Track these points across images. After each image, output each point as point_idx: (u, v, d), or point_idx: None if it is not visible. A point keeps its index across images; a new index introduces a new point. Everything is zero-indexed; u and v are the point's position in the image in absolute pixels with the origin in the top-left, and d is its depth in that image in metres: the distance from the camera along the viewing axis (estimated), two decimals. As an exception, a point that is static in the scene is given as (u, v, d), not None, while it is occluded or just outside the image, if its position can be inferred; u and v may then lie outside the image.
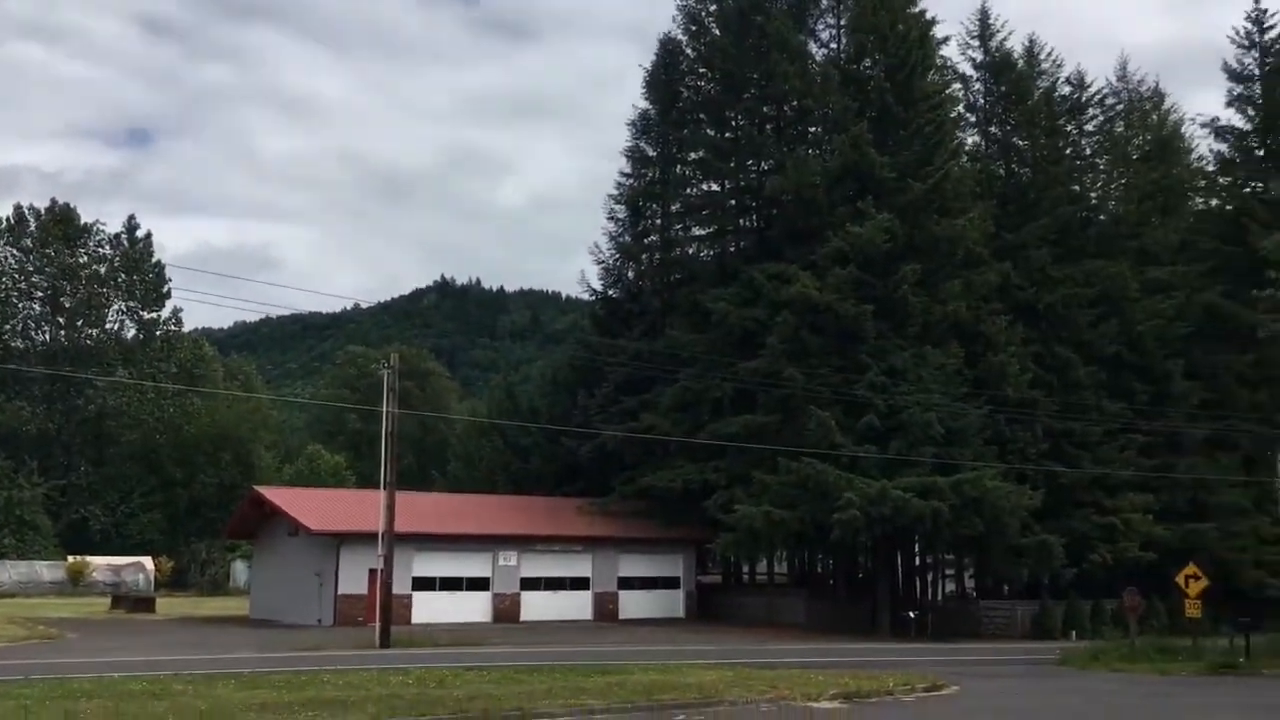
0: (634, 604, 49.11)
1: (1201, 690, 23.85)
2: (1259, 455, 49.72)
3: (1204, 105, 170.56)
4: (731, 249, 55.17)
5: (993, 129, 56.33)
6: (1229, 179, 59.40)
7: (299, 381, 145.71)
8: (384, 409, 35.85)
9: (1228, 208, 58.25)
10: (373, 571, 38.96)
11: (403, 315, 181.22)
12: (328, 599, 43.06)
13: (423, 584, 44.71)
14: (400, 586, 40.29)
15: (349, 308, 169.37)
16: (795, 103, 52.48)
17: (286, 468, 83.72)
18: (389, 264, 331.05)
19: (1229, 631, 32.14)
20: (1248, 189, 57.48)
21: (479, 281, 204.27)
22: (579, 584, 48.46)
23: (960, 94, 55.54)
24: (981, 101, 56.13)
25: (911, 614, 44.60)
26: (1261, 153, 57.14)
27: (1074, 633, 43.23)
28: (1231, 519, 50.30)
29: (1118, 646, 33.99)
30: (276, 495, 49.67)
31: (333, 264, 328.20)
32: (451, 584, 45.69)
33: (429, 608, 44.09)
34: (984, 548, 46.36)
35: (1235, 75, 57.50)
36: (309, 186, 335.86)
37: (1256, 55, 57.15)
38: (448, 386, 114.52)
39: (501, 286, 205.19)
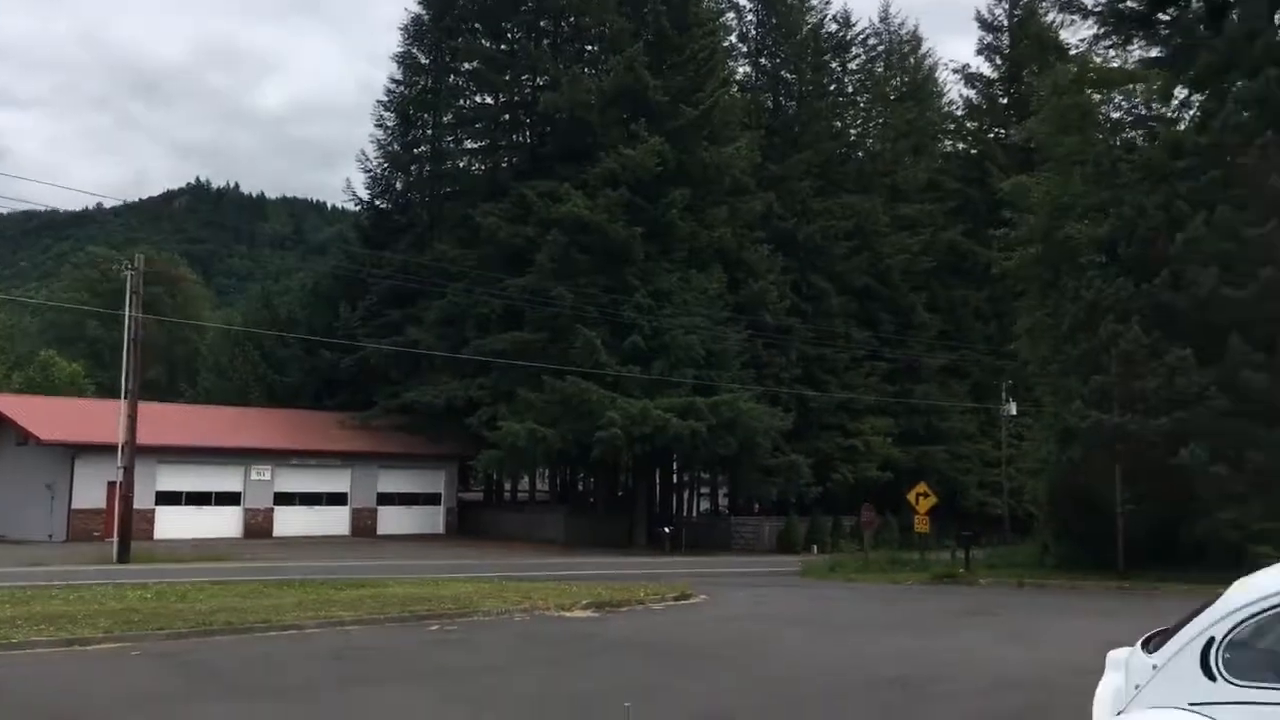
0: (393, 520, 48.59)
1: (916, 595, 25.77)
2: (987, 384, 53.67)
3: (957, 52, 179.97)
4: (504, 164, 54.42)
5: (763, 60, 57.59)
6: (975, 124, 63.06)
7: (33, 283, 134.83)
8: (126, 314, 33.65)
9: (973, 151, 61.92)
10: (111, 484, 36.85)
11: (151, 218, 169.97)
12: (60, 513, 40.54)
13: (167, 498, 42.74)
14: (142, 501, 38.31)
15: (91, 207, 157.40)
16: (572, 19, 51.94)
17: (16, 375, 77.64)
18: (137, 161, 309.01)
19: (952, 545, 34.80)
20: (991, 134, 61.20)
21: (237, 186, 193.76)
22: (336, 499, 47.50)
23: (734, 23, 56.44)
24: (753, 33, 57.24)
25: (667, 530, 46.08)
26: (1005, 100, 60.84)
27: (815, 547, 45.76)
28: (959, 443, 54.32)
29: (854, 559, 36.24)
30: (2, 402, 46.15)
31: (73, 158, 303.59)
32: (199, 499, 43.88)
33: (174, 523, 42.24)
34: (737, 467, 48.28)
35: (986, 24, 60.81)
36: (48, 72, 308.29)
37: (1006, 6, 60.55)
38: (200, 294, 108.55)
39: (262, 192, 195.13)
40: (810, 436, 49.97)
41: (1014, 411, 46.56)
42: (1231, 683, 4.68)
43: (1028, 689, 12.14)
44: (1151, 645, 5.18)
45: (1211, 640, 4.80)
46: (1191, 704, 4.76)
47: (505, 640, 16.33)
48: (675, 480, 56.48)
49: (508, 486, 57.92)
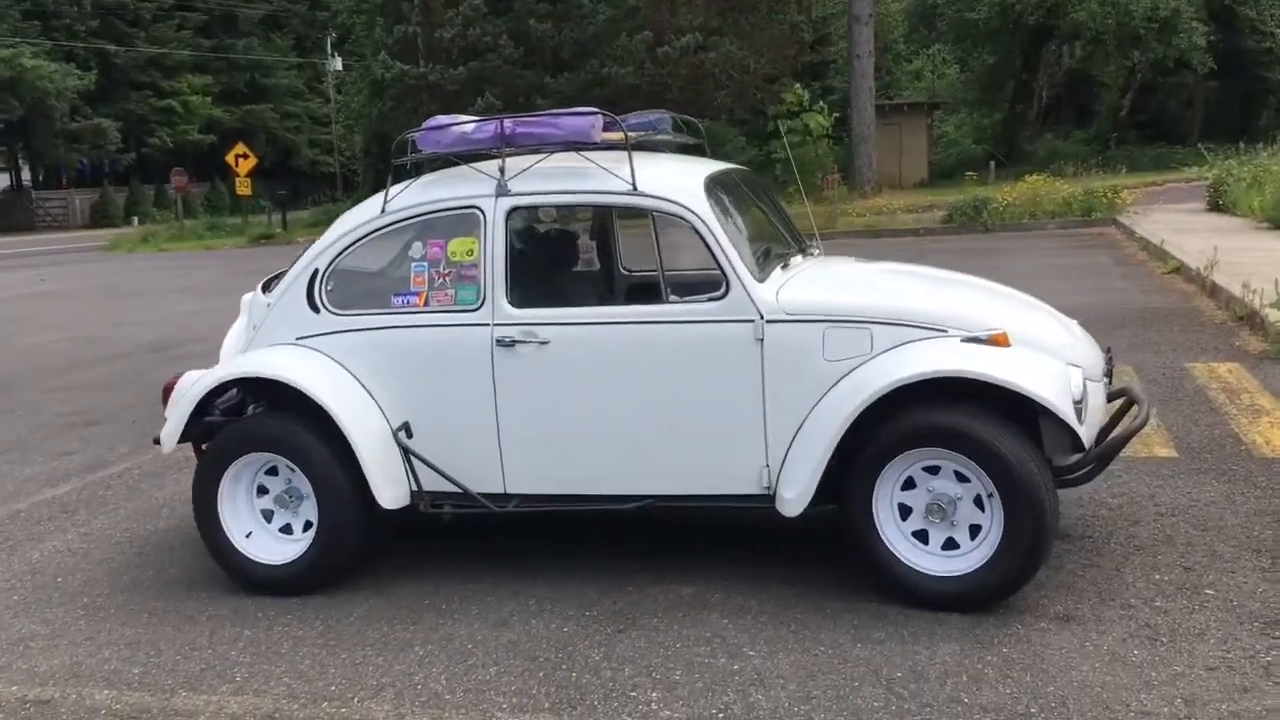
0: None
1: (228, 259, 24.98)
2: (311, 37, 51.68)
3: None
4: None
5: None
6: None
7: None
8: None
9: None
10: None
11: None
12: None
13: None
14: None
15: None
16: None
17: None
18: None
19: (269, 206, 33.94)
20: None
21: None
22: None
23: None
24: None
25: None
26: None
27: (136, 219, 42.54)
28: (287, 101, 52.41)
29: (169, 228, 34.11)
30: None
31: None
32: None
33: None
34: (30, 134, 42.56)
35: None
36: None
37: None
38: None
39: None
40: (118, 98, 45.16)
41: (339, 66, 45.46)
42: (333, 313, 4.52)
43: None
44: (271, 286, 4.88)
45: (316, 272, 4.58)
46: (299, 338, 4.57)
47: None
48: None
49: None
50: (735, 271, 4.16)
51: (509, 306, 4.34)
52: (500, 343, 4.31)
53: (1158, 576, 4.22)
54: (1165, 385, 7.09)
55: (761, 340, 4.12)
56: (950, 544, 4.05)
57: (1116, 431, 4.26)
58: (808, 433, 4.08)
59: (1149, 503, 5.02)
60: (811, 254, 5.00)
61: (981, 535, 4.00)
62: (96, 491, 6.29)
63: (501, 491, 4.44)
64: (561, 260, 5.08)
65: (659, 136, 4.97)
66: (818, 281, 4.40)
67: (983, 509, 3.98)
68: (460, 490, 4.44)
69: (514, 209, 4.40)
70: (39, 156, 47.11)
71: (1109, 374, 4.58)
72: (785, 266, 4.48)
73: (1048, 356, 4.08)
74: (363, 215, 4.62)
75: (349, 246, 4.60)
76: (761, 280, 4.21)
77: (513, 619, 4.19)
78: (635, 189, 4.27)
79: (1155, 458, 5.63)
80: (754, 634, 3.94)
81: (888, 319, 4.10)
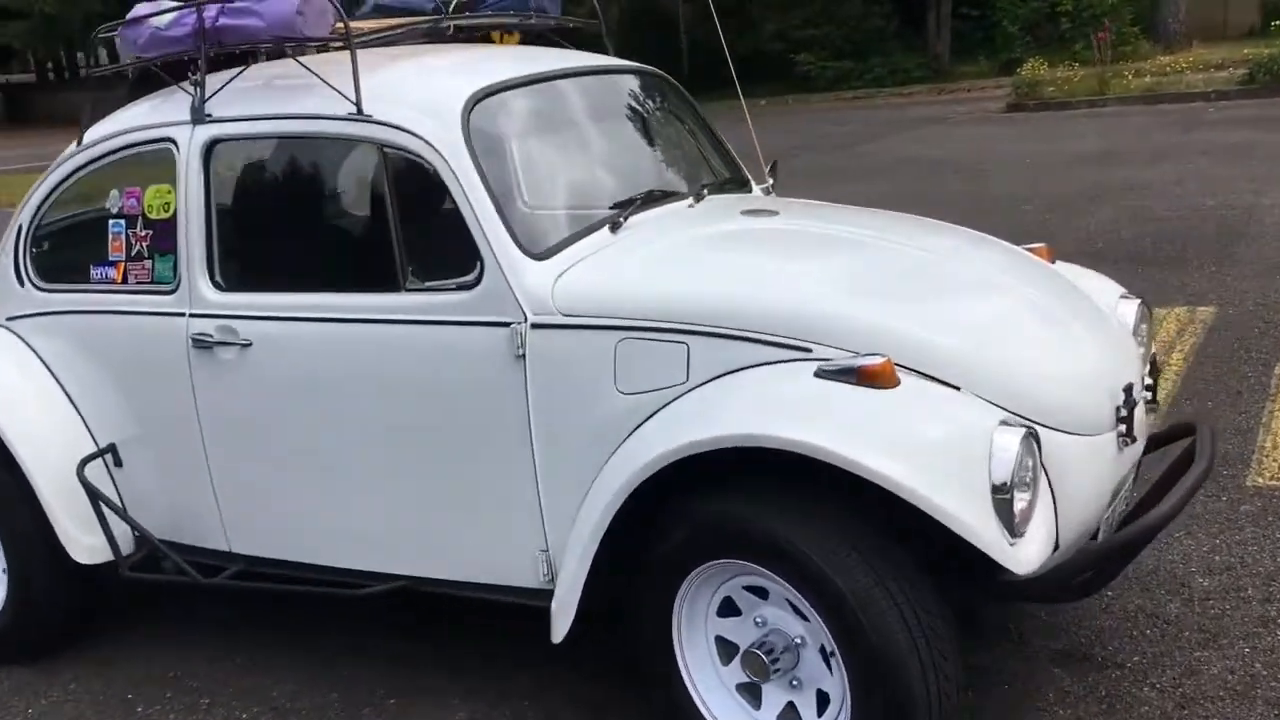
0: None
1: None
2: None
3: None
4: None
5: None
6: None
7: None
8: None
9: None
10: None
11: None
12: None
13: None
14: None
15: None
16: None
17: None
18: None
19: None
20: None
21: None
22: None
23: None
24: None
25: None
26: None
27: None
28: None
29: None
30: None
31: None
32: None
33: None
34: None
35: None
36: None
37: None
38: None
39: None
40: None
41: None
42: (37, 287, 3.28)
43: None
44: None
45: (20, 230, 3.35)
46: (8, 319, 3.37)
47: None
48: None
49: None
50: (489, 242, 2.58)
51: (210, 290, 2.97)
52: (197, 342, 2.95)
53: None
54: None
55: (523, 356, 2.55)
56: (791, 713, 2.39)
57: (1145, 517, 2.41)
58: (587, 510, 2.50)
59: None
60: (753, 194, 3.30)
61: (830, 713, 2.32)
62: None
63: (226, 549, 3.12)
64: (298, 220, 3.20)
65: (496, 19, 3.33)
66: (632, 255, 2.71)
67: (829, 668, 2.31)
68: (171, 545, 3.16)
69: (215, 141, 2.97)
70: None
71: (1151, 403, 2.77)
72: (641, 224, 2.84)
73: (969, 403, 2.29)
74: (64, 152, 3.32)
75: (51, 194, 3.34)
76: (540, 256, 2.60)
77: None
78: (359, 111, 2.73)
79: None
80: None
81: (714, 324, 2.43)
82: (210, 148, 2.95)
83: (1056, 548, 2.27)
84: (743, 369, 2.37)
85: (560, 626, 2.49)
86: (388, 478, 2.79)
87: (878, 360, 2.23)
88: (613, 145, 3.20)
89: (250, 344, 2.88)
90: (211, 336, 2.92)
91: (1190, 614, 3.02)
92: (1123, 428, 2.50)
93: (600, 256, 2.65)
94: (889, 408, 2.21)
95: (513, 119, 2.91)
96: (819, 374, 2.26)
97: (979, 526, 2.10)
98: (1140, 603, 3.09)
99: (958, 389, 2.30)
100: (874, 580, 2.15)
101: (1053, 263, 3.05)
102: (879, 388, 2.21)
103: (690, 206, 3.04)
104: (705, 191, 3.14)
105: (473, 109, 2.72)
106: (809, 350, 2.34)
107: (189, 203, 2.97)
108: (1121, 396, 2.50)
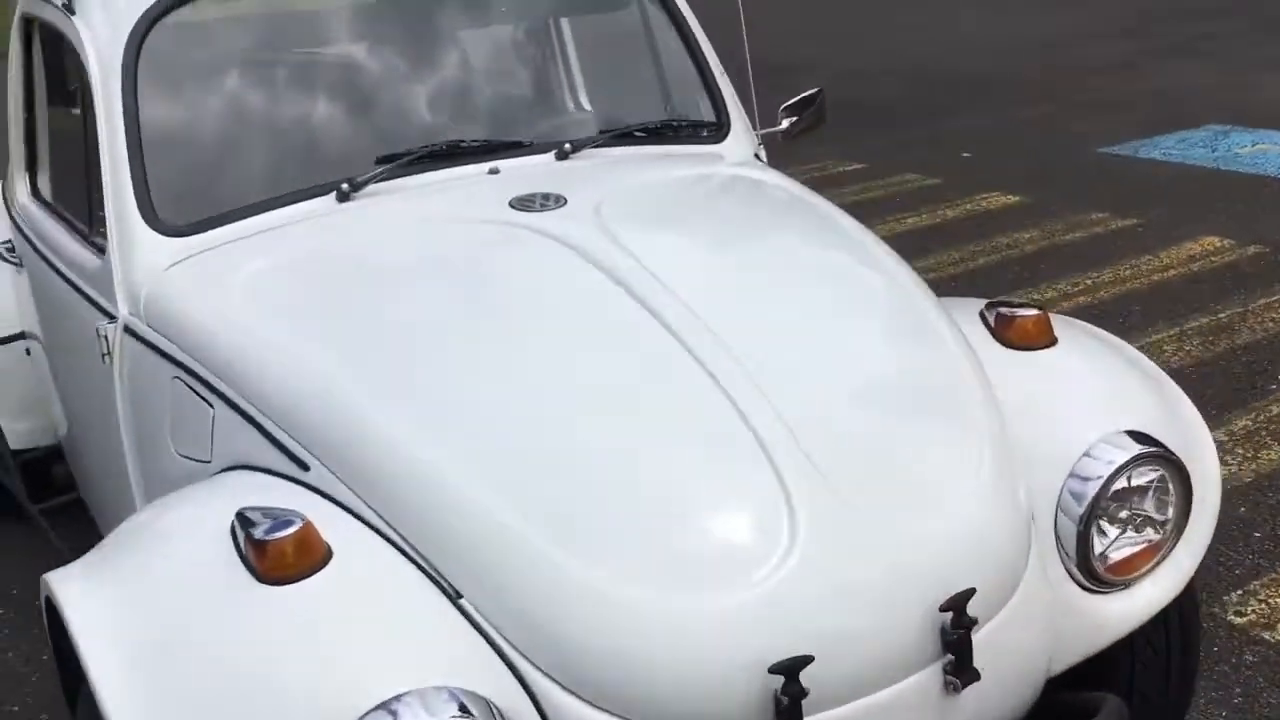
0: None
1: None
2: None
3: None
4: None
5: None
6: None
7: None
8: None
9: None
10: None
11: None
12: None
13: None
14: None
15: None
16: None
17: None
18: None
19: None
20: None
21: None
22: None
23: None
24: None
25: None
26: None
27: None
28: None
29: None
30: None
31: None
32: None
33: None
34: None
35: None
36: None
37: None
38: None
39: None
40: None
41: None
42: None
43: None
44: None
45: None
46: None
47: None
48: None
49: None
50: (115, 200, 2.03)
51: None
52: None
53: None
54: None
55: (112, 362, 2.07)
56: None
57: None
58: None
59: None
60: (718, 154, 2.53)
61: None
62: None
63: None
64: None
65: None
66: (252, 262, 2.03)
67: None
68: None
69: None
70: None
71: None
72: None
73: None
74: None
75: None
76: (170, 231, 2.03)
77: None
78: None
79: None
80: None
81: (238, 388, 1.78)
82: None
83: None
84: (235, 468, 1.75)
85: None
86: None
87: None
88: (420, 75, 2.42)
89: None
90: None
91: None
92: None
93: (227, 251, 2.04)
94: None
95: (215, 43, 2.28)
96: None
97: None
98: None
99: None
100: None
101: (1050, 333, 2.02)
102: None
103: (492, 173, 2.25)
104: (568, 147, 2.35)
105: (161, 11, 2.12)
106: (306, 468, 1.67)
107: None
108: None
